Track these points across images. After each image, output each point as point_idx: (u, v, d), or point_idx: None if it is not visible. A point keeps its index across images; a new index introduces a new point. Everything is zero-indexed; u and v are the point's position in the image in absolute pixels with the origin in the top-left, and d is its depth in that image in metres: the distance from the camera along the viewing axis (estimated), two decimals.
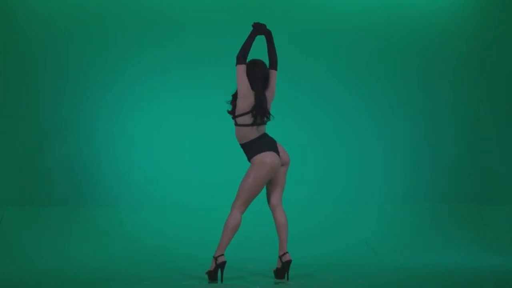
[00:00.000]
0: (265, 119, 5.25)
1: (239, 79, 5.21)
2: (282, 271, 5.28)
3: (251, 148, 5.24)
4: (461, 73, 7.74)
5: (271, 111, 5.32)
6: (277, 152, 5.28)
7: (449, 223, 7.38)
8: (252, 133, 5.23)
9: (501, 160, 7.70)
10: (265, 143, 5.24)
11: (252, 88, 5.23)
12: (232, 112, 5.29)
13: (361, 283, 5.18)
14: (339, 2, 7.68)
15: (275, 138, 5.41)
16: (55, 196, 7.25)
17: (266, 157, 5.20)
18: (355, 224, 7.27)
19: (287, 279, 5.26)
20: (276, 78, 5.35)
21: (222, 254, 5.18)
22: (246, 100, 5.21)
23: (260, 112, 5.20)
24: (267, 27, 5.41)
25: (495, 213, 7.50)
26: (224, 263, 5.16)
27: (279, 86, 7.47)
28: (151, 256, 6.52)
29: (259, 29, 5.35)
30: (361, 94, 7.63)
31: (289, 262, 5.25)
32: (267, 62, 5.40)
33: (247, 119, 5.22)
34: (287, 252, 5.28)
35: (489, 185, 7.65)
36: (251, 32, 5.34)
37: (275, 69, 5.35)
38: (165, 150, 7.37)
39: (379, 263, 6.35)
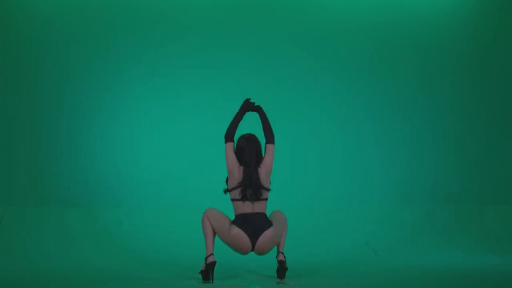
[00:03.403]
0: (258, 195, 5.20)
1: (225, 156, 5.31)
2: (278, 270, 5.28)
3: (237, 219, 5.22)
4: (461, 73, 7.74)
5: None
6: (255, 239, 5.15)
7: (449, 223, 7.38)
8: (244, 208, 5.22)
9: (501, 160, 7.70)
10: (249, 222, 5.17)
11: (241, 164, 5.27)
12: (226, 190, 5.33)
13: (361, 283, 5.18)
14: (339, 2, 7.68)
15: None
16: (55, 196, 7.25)
17: (235, 229, 5.15)
18: (355, 224, 7.27)
19: (280, 278, 5.24)
20: (274, 151, 5.35)
21: (211, 254, 5.19)
22: (233, 176, 5.26)
23: (250, 187, 5.21)
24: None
25: (495, 213, 7.50)
26: (213, 263, 5.16)
27: (279, 86, 7.52)
28: (151, 256, 6.53)
29: (247, 106, 5.45)
30: (361, 94, 7.63)
31: (279, 262, 5.24)
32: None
33: (237, 194, 5.25)
34: (280, 252, 5.27)
35: (489, 185, 7.65)
36: (239, 109, 5.43)
37: (271, 143, 5.36)
38: (165, 150, 7.38)
39: (379, 263, 6.35)
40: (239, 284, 5.20)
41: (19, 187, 7.28)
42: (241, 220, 5.19)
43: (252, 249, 5.20)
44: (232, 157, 5.29)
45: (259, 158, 5.30)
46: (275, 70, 7.57)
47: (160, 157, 7.37)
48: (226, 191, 5.32)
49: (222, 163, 7.22)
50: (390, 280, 5.40)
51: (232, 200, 5.29)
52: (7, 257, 6.41)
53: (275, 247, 5.35)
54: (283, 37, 7.59)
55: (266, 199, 5.28)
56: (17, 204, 7.21)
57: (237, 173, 5.26)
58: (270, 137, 5.37)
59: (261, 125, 5.43)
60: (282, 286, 5.04)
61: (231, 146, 5.33)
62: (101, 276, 5.60)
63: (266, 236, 5.14)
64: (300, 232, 6.83)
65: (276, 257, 5.28)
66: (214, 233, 5.26)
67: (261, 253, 5.22)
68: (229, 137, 5.34)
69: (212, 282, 5.19)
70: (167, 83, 7.44)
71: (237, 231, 5.14)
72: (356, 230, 7.20)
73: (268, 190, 5.29)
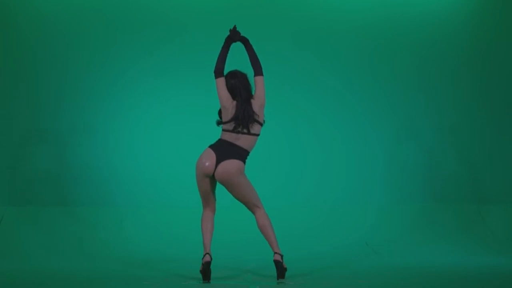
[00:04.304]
0: (247, 128, 5.21)
1: (218, 92, 5.29)
2: (277, 271, 5.27)
3: (215, 141, 5.28)
4: (461, 73, 7.74)
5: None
6: (219, 160, 5.19)
7: (449, 223, 7.38)
8: (229, 137, 5.24)
9: (501, 160, 7.70)
10: (223, 147, 5.21)
11: (234, 98, 5.27)
12: (218, 122, 5.34)
13: (361, 282, 5.18)
14: (339, 2, 7.68)
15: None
16: (55, 196, 7.25)
17: (199, 158, 5.24)
18: (355, 224, 7.28)
19: (278, 278, 5.24)
20: (264, 82, 5.34)
21: (207, 253, 5.19)
22: (227, 110, 5.26)
23: (243, 121, 5.21)
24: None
25: (495, 213, 7.50)
26: (208, 262, 5.16)
27: (279, 86, 7.51)
28: (151, 256, 6.52)
29: (232, 36, 5.41)
30: (361, 94, 7.63)
31: (276, 262, 5.23)
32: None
33: (229, 126, 5.25)
34: (276, 253, 5.26)
35: (489, 185, 7.65)
36: (224, 41, 5.40)
37: (260, 74, 5.35)
38: (164, 150, 7.38)
39: (379, 263, 6.34)
40: (239, 284, 5.20)
41: (19, 187, 7.28)
42: (218, 143, 5.22)
43: (214, 172, 5.18)
44: (225, 92, 5.27)
45: (249, 92, 5.28)
46: (275, 69, 7.55)
47: (160, 157, 7.37)
48: (219, 123, 5.30)
49: None
50: (390, 280, 5.40)
51: (223, 130, 5.28)
52: (7, 257, 6.41)
53: (268, 246, 5.32)
54: (283, 37, 7.59)
55: (258, 135, 5.27)
56: (17, 204, 7.21)
57: (231, 107, 5.24)
58: (258, 69, 5.35)
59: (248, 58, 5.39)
60: (282, 286, 5.04)
61: (222, 81, 5.29)
62: (101, 276, 5.60)
63: (226, 164, 5.16)
64: (300, 232, 6.84)
65: (273, 258, 5.28)
66: (211, 231, 5.24)
67: (220, 181, 5.20)
68: (218, 72, 5.30)
69: (209, 281, 5.17)
70: (167, 83, 7.44)
71: (206, 150, 5.18)
72: (356, 230, 7.21)
73: (261, 124, 5.26)
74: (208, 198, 5.33)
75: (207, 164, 5.21)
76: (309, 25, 7.62)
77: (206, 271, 5.17)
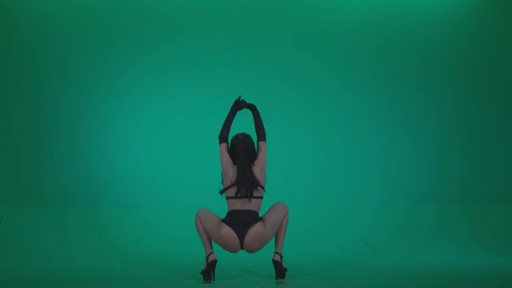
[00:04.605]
0: (251, 192, 5.21)
1: (220, 157, 5.36)
2: (275, 271, 5.28)
3: (228, 216, 5.24)
4: (461, 73, 7.74)
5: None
6: (242, 235, 5.17)
7: (449, 223, 7.37)
8: (236, 205, 5.23)
9: (501, 160, 7.70)
10: (236, 220, 5.19)
11: (235, 163, 5.30)
12: (222, 191, 5.34)
13: (361, 283, 5.18)
14: (339, 2, 7.68)
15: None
16: (55, 196, 7.25)
17: (224, 229, 5.18)
18: (355, 224, 7.28)
19: (277, 278, 5.24)
20: (266, 148, 5.38)
21: (212, 253, 5.21)
22: (228, 175, 5.29)
23: (244, 184, 5.21)
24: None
25: (495, 213, 7.50)
26: (214, 261, 5.20)
27: (279, 86, 7.52)
28: (151, 256, 6.53)
29: (238, 104, 5.48)
30: (361, 94, 7.63)
31: (274, 262, 5.25)
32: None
33: (231, 192, 5.26)
34: (276, 253, 5.27)
35: (489, 185, 7.65)
36: (230, 109, 5.47)
37: (262, 140, 5.40)
38: (164, 150, 7.38)
39: (379, 263, 6.34)
40: (239, 284, 5.20)
41: (19, 187, 7.28)
42: (229, 217, 5.21)
43: (242, 247, 5.20)
44: (226, 157, 5.34)
45: (252, 156, 5.33)
46: (275, 69, 7.57)
47: (160, 157, 7.37)
48: (222, 192, 5.33)
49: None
50: (390, 280, 5.40)
51: (227, 198, 5.30)
52: (7, 257, 6.41)
53: (273, 246, 5.34)
54: (283, 37, 7.59)
55: (261, 197, 5.29)
56: (17, 204, 7.21)
57: (231, 172, 5.29)
58: (261, 135, 5.41)
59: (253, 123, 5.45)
60: (281, 286, 5.04)
61: (225, 146, 5.38)
62: (101, 276, 5.60)
63: (251, 233, 5.15)
64: (300, 232, 6.83)
65: (272, 257, 5.28)
66: (208, 236, 5.28)
67: (251, 250, 5.23)
68: (222, 138, 5.41)
69: (214, 280, 5.19)
70: (167, 83, 7.44)
71: (225, 230, 5.16)
72: (355, 230, 7.21)
73: (263, 187, 5.29)
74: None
75: (232, 244, 5.19)
76: (309, 25, 7.62)
77: (210, 271, 5.18)
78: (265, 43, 7.58)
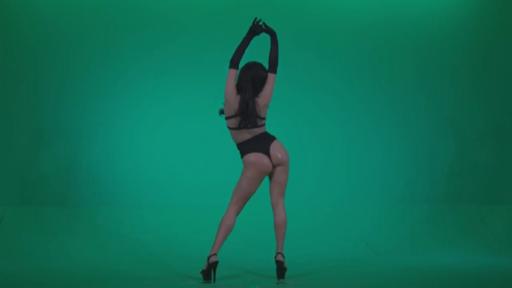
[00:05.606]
0: (254, 124, 5.10)
1: (226, 83, 5.14)
2: (277, 271, 5.26)
3: (242, 149, 5.19)
4: (461, 73, 7.74)
5: (268, 113, 5.24)
6: (268, 152, 5.15)
7: (449, 223, 7.37)
8: (242, 136, 5.16)
9: (501, 160, 7.70)
10: (255, 144, 5.13)
11: (239, 92, 5.12)
12: (222, 113, 5.25)
13: (361, 283, 5.18)
14: (339, 2, 7.67)
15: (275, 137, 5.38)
16: (55, 196, 7.25)
17: (251, 156, 5.11)
18: (355, 224, 7.27)
19: (278, 278, 5.24)
20: (275, 81, 5.16)
21: (215, 254, 5.16)
22: (229, 105, 5.13)
23: (246, 118, 5.08)
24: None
25: (495, 213, 7.50)
26: (215, 263, 5.14)
27: (279, 85, 7.50)
28: (151, 256, 6.52)
29: (255, 29, 5.21)
30: (361, 94, 7.63)
31: (278, 262, 5.22)
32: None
33: (234, 122, 5.15)
34: (279, 253, 5.25)
35: (489, 185, 7.65)
36: (246, 33, 5.22)
37: (273, 72, 5.15)
38: (164, 150, 7.38)
39: (379, 263, 6.34)
40: (239, 284, 5.20)
41: (19, 187, 7.28)
42: (246, 147, 5.11)
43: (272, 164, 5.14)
44: (231, 86, 5.10)
45: (256, 87, 5.12)
46: None
47: (160, 157, 7.37)
48: (221, 112, 5.20)
49: (222, 163, 7.27)
50: (390, 280, 5.40)
51: (229, 128, 5.18)
52: (7, 257, 6.40)
53: (269, 246, 5.33)
54: (283, 37, 7.52)
55: (263, 124, 5.17)
56: (17, 204, 7.21)
57: (233, 102, 5.11)
58: (273, 66, 5.11)
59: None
60: (281, 286, 5.04)
61: (233, 73, 5.11)
62: (101, 276, 5.60)
63: (273, 147, 5.12)
64: (299, 232, 6.83)
65: (275, 257, 5.27)
66: (225, 236, 5.19)
67: (279, 160, 5.15)
68: (233, 63, 5.09)
69: (214, 282, 5.18)
70: (167, 83, 7.44)
71: (251, 157, 5.08)
72: (356, 230, 7.20)
73: (264, 118, 5.15)
74: (248, 198, 5.25)
75: (265, 161, 5.15)
76: (309, 25, 7.61)
77: (211, 272, 5.15)
78: (265, 43, 7.57)
